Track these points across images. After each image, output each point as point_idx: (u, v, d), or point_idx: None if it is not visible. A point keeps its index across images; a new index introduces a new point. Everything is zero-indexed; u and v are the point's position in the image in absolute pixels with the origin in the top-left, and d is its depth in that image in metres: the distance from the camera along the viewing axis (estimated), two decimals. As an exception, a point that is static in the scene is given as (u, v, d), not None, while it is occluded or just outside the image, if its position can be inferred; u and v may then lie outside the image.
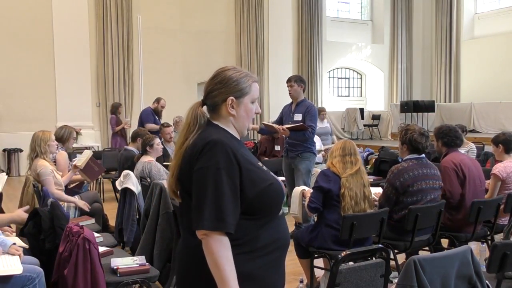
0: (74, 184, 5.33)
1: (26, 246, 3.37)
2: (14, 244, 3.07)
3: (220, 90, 1.81)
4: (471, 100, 14.68)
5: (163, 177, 4.79)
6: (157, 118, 8.82)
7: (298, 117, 5.32)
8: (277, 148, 8.42)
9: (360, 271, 2.30)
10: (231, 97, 1.81)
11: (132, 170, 4.90)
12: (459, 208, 4.07)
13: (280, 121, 5.59)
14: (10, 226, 4.11)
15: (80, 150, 7.30)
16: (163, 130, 7.17)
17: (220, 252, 1.62)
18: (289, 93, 5.44)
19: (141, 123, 8.67)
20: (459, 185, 4.04)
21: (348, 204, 3.51)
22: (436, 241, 4.05)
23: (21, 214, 3.46)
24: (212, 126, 1.82)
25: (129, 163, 5.66)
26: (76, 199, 4.82)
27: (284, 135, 5.31)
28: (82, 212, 4.69)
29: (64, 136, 5.37)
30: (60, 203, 4.23)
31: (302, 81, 5.43)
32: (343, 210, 3.51)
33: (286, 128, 5.14)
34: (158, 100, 9.04)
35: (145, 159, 5.01)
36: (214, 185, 1.65)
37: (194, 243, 1.71)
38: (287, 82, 5.47)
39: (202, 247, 1.66)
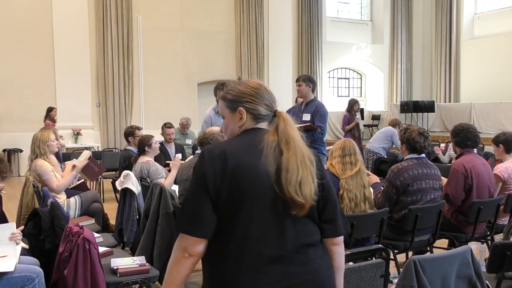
0: (75, 184, 5.33)
1: (26, 246, 3.37)
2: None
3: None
4: (471, 100, 14.66)
5: (162, 175, 4.80)
6: None
7: (306, 117, 5.28)
8: None
9: (360, 271, 2.29)
10: None
11: (130, 170, 4.89)
12: (463, 211, 4.08)
13: None
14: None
15: (80, 151, 7.32)
16: (165, 131, 7.10)
17: None
18: (298, 93, 5.49)
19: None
20: (463, 191, 4.04)
21: (347, 206, 3.48)
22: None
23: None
24: None
25: (127, 163, 5.66)
26: (75, 163, 4.83)
27: None
28: (82, 212, 4.70)
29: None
30: (60, 202, 4.25)
31: (310, 80, 5.44)
32: None
33: None
34: None
35: (143, 159, 4.98)
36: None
37: (324, 251, 1.90)
38: (296, 82, 5.52)
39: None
